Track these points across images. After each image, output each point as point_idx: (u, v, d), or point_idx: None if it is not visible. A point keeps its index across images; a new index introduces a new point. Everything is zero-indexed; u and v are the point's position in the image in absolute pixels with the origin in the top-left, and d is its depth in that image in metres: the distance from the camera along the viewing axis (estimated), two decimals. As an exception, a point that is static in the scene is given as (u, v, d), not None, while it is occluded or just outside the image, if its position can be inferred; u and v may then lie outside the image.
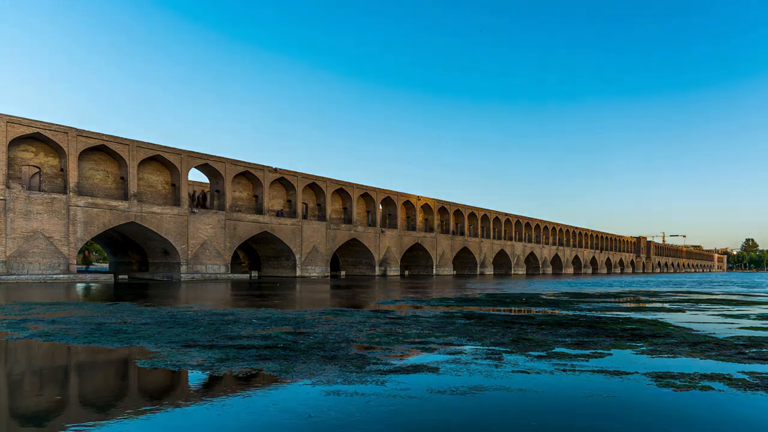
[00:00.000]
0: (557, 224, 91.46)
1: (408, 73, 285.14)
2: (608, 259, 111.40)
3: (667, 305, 16.49)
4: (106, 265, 60.74)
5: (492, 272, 71.17)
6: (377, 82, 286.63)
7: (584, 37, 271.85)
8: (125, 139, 34.83)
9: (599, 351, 7.14)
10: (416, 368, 5.90)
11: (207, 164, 39.86)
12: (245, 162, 42.26)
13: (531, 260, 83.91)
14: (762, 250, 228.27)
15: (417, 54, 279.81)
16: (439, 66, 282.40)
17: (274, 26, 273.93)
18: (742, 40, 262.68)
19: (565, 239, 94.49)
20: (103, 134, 33.65)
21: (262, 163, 43.49)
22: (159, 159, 37.71)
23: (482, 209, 70.87)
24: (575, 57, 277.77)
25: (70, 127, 32.11)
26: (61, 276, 30.33)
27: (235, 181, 42.94)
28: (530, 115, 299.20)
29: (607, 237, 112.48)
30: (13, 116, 29.60)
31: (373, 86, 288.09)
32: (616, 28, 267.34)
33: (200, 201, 42.20)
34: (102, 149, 34.70)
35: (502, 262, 76.12)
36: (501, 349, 7.27)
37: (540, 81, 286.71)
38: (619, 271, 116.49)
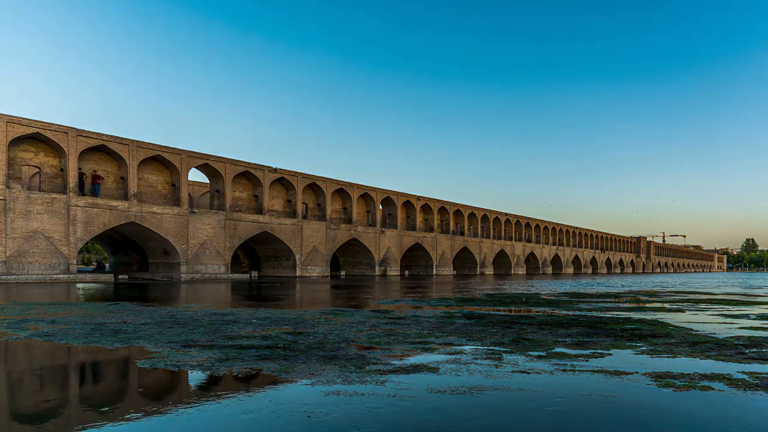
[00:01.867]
0: (557, 224, 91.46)
1: (408, 70, 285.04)
2: (608, 259, 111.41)
3: (666, 305, 16.48)
4: (105, 265, 60.75)
5: (492, 272, 71.18)
6: (377, 80, 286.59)
7: (582, 26, 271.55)
8: (125, 139, 34.84)
9: (599, 351, 7.14)
10: (416, 368, 5.90)
11: (207, 164, 39.88)
12: (245, 162, 42.27)
13: (531, 260, 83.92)
14: (762, 250, 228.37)
15: (416, 52, 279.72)
16: (438, 63, 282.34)
17: (273, 24, 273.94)
18: (744, 28, 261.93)
19: (565, 239, 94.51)
20: (103, 134, 33.66)
21: (262, 163, 43.53)
22: (159, 159, 37.72)
23: (482, 209, 70.89)
24: (573, 49, 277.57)
25: (70, 127, 32.11)
26: (61, 276, 30.33)
27: (235, 181, 42.94)
28: (530, 115, 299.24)
29: (607, 237, 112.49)
30: (13, 116, 29.60)
31: (374, 85, 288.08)
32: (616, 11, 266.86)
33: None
34: (102, 149, 34.70)
35: (502, 262, 76.13)
36: (501, 349, 7.27)
37: (539, 79, 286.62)
38: (619, 271, 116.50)
